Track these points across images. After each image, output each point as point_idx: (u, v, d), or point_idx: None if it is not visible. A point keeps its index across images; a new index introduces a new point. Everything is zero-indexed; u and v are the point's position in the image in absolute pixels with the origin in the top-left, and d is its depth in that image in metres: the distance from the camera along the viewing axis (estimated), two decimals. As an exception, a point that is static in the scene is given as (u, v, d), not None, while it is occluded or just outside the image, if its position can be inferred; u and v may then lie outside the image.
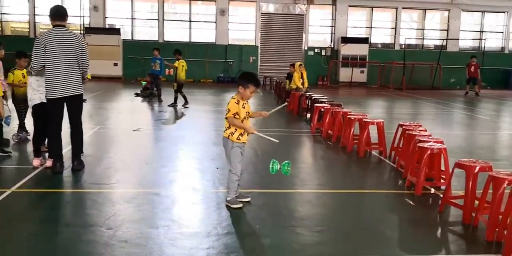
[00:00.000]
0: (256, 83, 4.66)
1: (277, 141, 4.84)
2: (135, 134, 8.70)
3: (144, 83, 15.74)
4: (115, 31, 22.01)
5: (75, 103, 5.81)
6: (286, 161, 4.55)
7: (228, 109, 4.59)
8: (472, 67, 19.67)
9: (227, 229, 4.15)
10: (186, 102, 12.80)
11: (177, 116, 11.48)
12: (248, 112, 4.70)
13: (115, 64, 21.90)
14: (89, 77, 6.64)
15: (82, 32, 22.02)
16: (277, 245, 3.85)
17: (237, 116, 4.59)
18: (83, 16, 22.65)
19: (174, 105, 12.74)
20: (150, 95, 14.08)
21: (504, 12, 24.45)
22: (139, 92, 15.22)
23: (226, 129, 4.68)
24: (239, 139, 4.63)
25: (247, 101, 4.72)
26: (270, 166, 4.56)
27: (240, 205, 4.63)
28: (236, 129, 4.62)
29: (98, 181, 5.51)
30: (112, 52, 21.64)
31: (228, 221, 4.32)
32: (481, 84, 20.26)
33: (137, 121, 10.73)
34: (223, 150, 4.84)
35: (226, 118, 4.65)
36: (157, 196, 5.01)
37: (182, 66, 12.93)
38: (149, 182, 5.55)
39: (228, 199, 4.68)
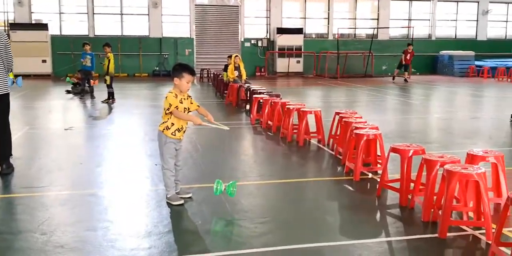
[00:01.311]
0: (191, 71, 4.48)
1: (228, 128, 4.79)
2: (67, 133, 8.38)
3: (68, 79, 15.10)
4: (42, 27, 21.10)
5: (1, 103, 5.51)
6: (231, 182, 4.49)
7: (169, 104, 4.40)
8: (409, 55, 20.27)
9: (169, 227, 4.06)
10: (112, 98, 12.48)
11: (111, 113, 11.16)
12: (187, 108, 4.53)
13: (44, 61, 21.03)
14: (12, 76, 6.30)
15: (6, 28, 20.96)
16: (221, 239, 3.80)
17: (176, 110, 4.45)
18: (7, 12, 21.57)
19: (108, 101, 12.39)
20: (81, 91, 13.61)
21: (429, 0, 25.35)
22: (70, 89, 14.69)
23: (162, 123, 4.52)
24: (174, 135, 4.49)
25: (187, 97, 4.55)
26: (215, 186, 4.45)
27: (182, 202, 4.54)
28: (172, 124, 4.46)
29: (29, 184, 5.25)
30: (40, 49, 20.76)
31: (169, 219, 4.23)
32: (407, 71, 20.93)
33: (69, 119, 10.36)
34: (163, 142, 4.67)
35: (166, 113, 4.47)
36: (93, 197, 4.84)
37: (113, 59, 12.63)
38: (84, 183, 5.34)
39: (168, 196, 4.58)
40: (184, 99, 4.51)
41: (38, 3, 22.07)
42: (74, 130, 8.72)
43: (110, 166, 6.16)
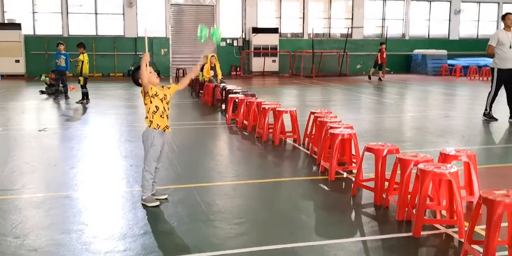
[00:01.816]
0: (140, 67, 4.42)
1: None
2: (41, 135, 8.25)
3: (42, 78, 14.88)
4: (15, 26, 20.73)
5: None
6: (213, 29, 4.47)
7: (142, 90, 4.47)
8: (384, 54, 20.50)
9: (144, 229, 4.03)
10: (87, 98, 12.38)
11: (86, 113, 11.03)
12: (166, 95, 4.53)
13: (17, 61, 20.67)
14: None
15: (-23, 27, 20.55)
16: (197, 241, 3.80)
17: (151, 94, 4.44)
18: (-22, 11, 21.18)
19: (82, 101, 12.26)
20: (55, 92, 13.41)
21: (403, 0, 25.67)
22: (44, 89, 14.47)
23: (146, 117, 4.54)
24: (159, 124, 4.48)
25: (161, 86, 4.57)
26: (198, 34, 4.43)
27: (157, 203, 4.52)
28: (157, 107, 4.45)
29: (2, 187, 5.16)
30: (13, 49, 20.41)
31: (145, 221, 4.20)
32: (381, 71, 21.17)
33: (43, 120, 10.21)
34: (136, 147, 4.69)
35: (144, 98, 4.50)
36: (68, 199, 4.78)
37: (87, 59, 12.51)
38: (58, 185, 5.27)
39: (143, 197, 4.55)
40: (160, 89, 4.53)
41: (10, 3, 21.66)
42: (48, 131, 8.60)
43: (84, 167, 6.10)
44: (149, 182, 4.53)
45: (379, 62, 20.44)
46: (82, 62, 12.36)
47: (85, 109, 11.51)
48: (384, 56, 20.42)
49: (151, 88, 4.44)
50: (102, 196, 4.92)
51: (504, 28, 9.43)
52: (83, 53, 12.41)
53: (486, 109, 9.79)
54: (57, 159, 6.59)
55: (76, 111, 11.30)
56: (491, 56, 9.52)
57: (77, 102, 12.22)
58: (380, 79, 20.51)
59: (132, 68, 22.08)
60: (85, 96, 12.34)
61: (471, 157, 4.54)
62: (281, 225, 4.14)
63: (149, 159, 4.52)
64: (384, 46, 20.41)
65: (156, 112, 4.48)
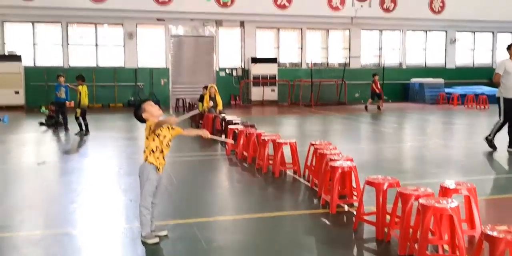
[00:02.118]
0: (146, 100, 4.59)
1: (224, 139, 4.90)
2: (40, 168, 8.24)
3: (42, 110, 14.94)
4: (16, 58, 20.91)
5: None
6: None
7: (149, 126, 4.44)
8: (378, 84, 20.60)
9: (144, 266, 4.00)
10: (87, 130, 12.44)
11: (85, 146, 11.04)
12: (165, 136, 4.49)
13: (17, 92, 20.78)
14: None
15: (-22, 60, 20.75)
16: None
17: (157, 133, 4.44)
18: (-21, 43, 21.43)
19: (81, 132, 12.28)
20: (55, 124, 13.45)
21: (399, 30, 26.03)
22: (43, 121, 14.50)
23: (145, 151, 4.51)
24: (158, 158, 4.46)
25: (169, 128, 4.55)
26: None
27: (157, 240, 4.47)
28: (157, 147, 4.44)
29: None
30: (13, 80, 20.52)
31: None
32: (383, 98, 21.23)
33: (42, 153, 10.19)
34: (135, 180, 4.65)
35: (149, 134, 4.48)
36: (67, 236, 4.74)
37: (85, 91, 12.62)
38: (57, 221, 5.23)
39: (143, 234, 4.50)
40: (166, 130, 4.52)
41: (11, 34, 21.94)
42: (47, 164, 8.59)
43: (83, 202, 6.06)
44: (146, 218, 4.48)
45: (377, 92, 20.52)
46: (80, 93, 12.46)
47: (84, 141, 11.52)
48: (379, 86, 20.54)
49: (161, 129, 4.49)
50: (101, 233, 4.88)
51: (510, 58, 9.35)
52: (81, 85, 12.54)
53: (489, 135, 9.64)
54: (56, 193, 6.56)
55: (75, 143, 11.31)
56: (497, 84, 9.47)
57: (76, 134, 12.23)
58: (379, 108, 20.58)
59: (132, 99, 22.23)
60: (86, 127, 12.39)
61: (472, 190, 4.53)
62: (282, 262, 4.10)
63: (145, 194, 4.48)
64: (376, 77, 20.57)
65: (154, 152, 4.47)
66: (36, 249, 4.40)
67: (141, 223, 4.50)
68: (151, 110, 4.49)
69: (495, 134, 9.60)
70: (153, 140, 4.46)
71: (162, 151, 4.50)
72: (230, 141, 4.82)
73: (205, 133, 4.78)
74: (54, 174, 8.09)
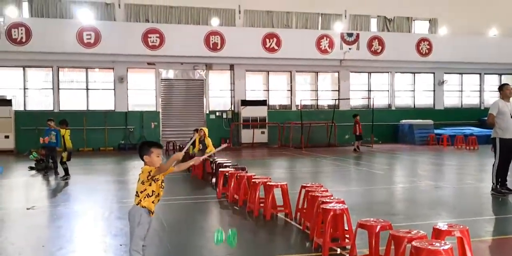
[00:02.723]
0: (158, 145, 4.52)
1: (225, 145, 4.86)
2: (29, 213, 8.13)
3: (32, 156, 14.83)
4: (6, 102, 20.99)
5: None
6: (231, 231, 4.46)
7: (148, 171, 4.37)
8: (360, 125, 20.92)
9: None
10: (67, 174, 12.33)
11: (75, 190, 10.93)
12: (155, 191, 4.46)
13: (7, 137, 20.73)
14: None
15: (-32, 104, 20.80)
16: None
17: (156, 178, 4.42)
18: (-30, 87, 21.54)
19: (67, 177, 12.16)
20: (45, 168, 13.37)
21: (388, 72, 26.55)
22: (33, 165, 14.41)
23: (139, 195, 4.43)
24: (154, 202, 4.44)
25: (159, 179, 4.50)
26: (215, 235, 4.40)
27: None
28: (153, 191, 4.42)
29: (-13, 271, 5.02)
30: (3, 124, 20.54)
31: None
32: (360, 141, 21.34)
33: (32, 198, 10.08)
34: (126, 225, 4.56)
35: (147, 180, 4.42)
36: (56, 283, 4.65)
37: (68, 135, 12.61)
38: (46, 267, 5.14)
39: None
40: (157, 179, 4.46)
41: (2, 79, 22.08)
42: (36, 209, 8.47)
43: (73, 248, 5.96)
44: None
45: (358, 133, 20.78)
46: (63, 137, 12.44)
47: (74, 185, 11.41)
48: (359, 127, 20.85)
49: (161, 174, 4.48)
50: (91, 279, 4.79)
51: (502, 98, 9.36)
52: (64, 129, 12.53)
53: (493, 183, 9.39)
54: (45, 239, 6.46)
55: (65, 187, 11.20)
56: (492, 125, 9.38)
57: (62, 179, 12.08)
58: (355, 149, 20.60)
59: (123, 142, 22.19)
60: (67, 171, 12.26)
61: (464, 232, 4.54)
62: None
63: (136, 238, 4.39)
64: (358, 117, 20.96)
65: (149, 196, 4.43)
66: (23, 298, 4.30)
67: None
68: (155, 160, 4.43)
69: (497, 180, 9.33)
70: (150, 184, 4.43)
71: (158, 195, 4.50)
72: (225, 145, 4.80)
73: (196, 160, 4.73)
74: (43, 219, 7.97)
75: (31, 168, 14.32)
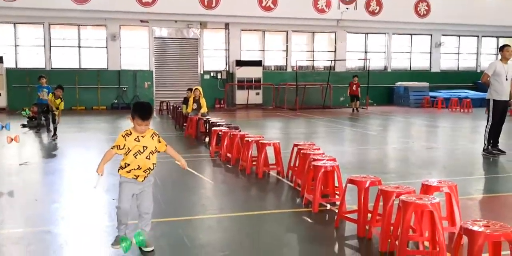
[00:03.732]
0: (142, 115, 4.12)
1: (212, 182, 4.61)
2: (21, 169, 8.15)
3: (24, 112, 14.78)
4: (-3, 60, 20.74)
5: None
6: (136, 233, 4.20)
7: (120, 135, 4.19)
8: (354, 86, 21.20)
9: (125, 263, 3.98)
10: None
11: (68, 147, 10.94)
12: (146, 147, 4.16)
13: (-2, 94, 20.57)
14: None
15: (-41, 61, 20.53)
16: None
17: (120, 150, 4.15)
18: (-40, 45, 21.20)
19: (55, 136, 12.05)
20: (37, 125, 13.32)
21: (385, 34, 26.24)
22: (25, 123, 14.36)
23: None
24: (129, 172, 4.18)
25: (151, 135, 4.22)
26: (122, 245, 4.11)
27: (117, 247, 4.17)
28: (127, 164, 4.16)
29: (-20, 222, 5.07)
30: (-6, 81, 20.34)
31: (127, 255, 4.13)
32: (359, 101, 21.66)
33: (24, 154, 10.08)
34: (118, 180, 4.51)
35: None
36: (49, 235, 4.70)
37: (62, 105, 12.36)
38: (39, 220, 5.19)
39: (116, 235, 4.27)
40: (142, 136, 4.18)
41: (-8, 36, 21.74)
42: (29, 165, 8.50)
43: (66, 202, 6.02)
44: (119, 222, 4.26)
45: (348, 94, 21.36)
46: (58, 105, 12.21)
47: (67, 143, 11.41)
48: (354, 88, 21.20)
49: (120, 148, 4.18)
50: (83, 231, 4.85)
51: (501, 60, 9.30)
52: (60, 99, 12.21)
53: (485, 144, 9.45)
54: (37, 193, 6.50)
55: (57, 145, 11.20)
56: (485, 84, 9.40)
57: (52, 138, 11.97)
58: (357, 110, 21.17)
59: (116, 101, 22.07)
60: (54, 130, 12.15)
61: (453, 188, 4.59)
62: (265, 259, 4.10)
63: (120, 196, 4.23)
64: (355, 78, 21.27)
65: (122, 168, 4.21)
66: (16, 247, 4.35)
67: (117, 224, 4.33)
68: (137, 127, 4.17)
69: (489, 141, 9.40)
70: (126, 154, 4.20)
71: (138, 168, 4.22)
72: (206, 179, 4.58)
73: (184, 164, 4.49)
74: (36, 174, 8.01)
75: (24, 126, 14.28)
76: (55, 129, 12.07)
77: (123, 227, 4.27)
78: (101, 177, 4.28)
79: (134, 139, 4.16)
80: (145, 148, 4.18)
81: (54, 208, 5.68)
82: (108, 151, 4.25)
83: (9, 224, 5.04)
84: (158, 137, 4.30)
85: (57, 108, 12.18)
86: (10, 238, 4.58)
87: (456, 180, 5.62)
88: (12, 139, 8.79)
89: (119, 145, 4.17)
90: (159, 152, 4.33)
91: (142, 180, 4.22)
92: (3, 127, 7.46)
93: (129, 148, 4.15)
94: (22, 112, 14.94)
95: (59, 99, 12.16)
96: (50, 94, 12.37)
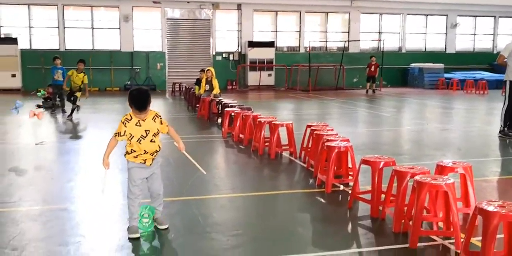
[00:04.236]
0: (137, 107, 3.97)
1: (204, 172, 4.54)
2: (38, 148, 8.25)
3: (40, 94, 14.89)
4: (12, 41, 20.81)
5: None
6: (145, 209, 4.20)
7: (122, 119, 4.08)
8: (373, 67, 21.03)
9: (141, 241, 4.03)
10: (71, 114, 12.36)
11: (82, 128, 11.04)
12: (148, 131, 4.05)
13: (13, 75, 20.70)
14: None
15: (-26, 42, 20.68)
16: (193, 252, 3.79)
17: (121, 137, 4.09)
18: (-25, 26, 21.33)
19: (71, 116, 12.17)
20: (52, 106, 13.43)
21: (399, 14, 25.89)
22: (41, 103, 14.48)
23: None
24: (136, 157, 4.10)
25: (153, 117, 4.09)
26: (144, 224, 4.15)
27: (137, 236, 4.06)
28: (133, 150, 4.09)
29: (-1, 200, 5.16)
30: (9, 63, 20.45)
31: (141, 232, 4.19)
32: (375, 83, 21.56)
33: (40, 134, 10.20)
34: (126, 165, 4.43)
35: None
36: (65, 212, 4.78)
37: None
38: (56, 198, 5.28)
39: (128, 226, 4.16)
40: (143, 120, 4.06)
41: (7, 17, 21.79)
42: (45, 145, 8.60)
43: (81, 181, 6.09)
44: (130, 210, 4.15)
45: (366, 75, 21.23)
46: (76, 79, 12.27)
47: (82, 123, 11.51)
48: (373, 69, 20.95)
49: (121, 135, 4.11)
50: (99, 209, 4.92)
51: None
52: (83, 73, 12.30)
53: (501, 125, 9.33)
54: (54, 172, 6.59)
55: (72, 125, 11.31)
56: (501, 65, 9.30)
57: (68, 119, 12.07)
58: (373, 91, 21.09)
59: (129, 83, 22.11)
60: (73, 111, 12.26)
61: (467, 169, 4.56)
62: (277, 237, 4.14)
63: (129, 184, 4.18)
64: (373, 59, 21.11)
65: (128, 154, 4.13)
66: (35, 224, 4.44)
67: (129, 214, 4.23)
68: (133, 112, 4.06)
69: (505, 123, 9.27)
70: (129, 142, 4.13)
71: (145, 153, 4.16)
72: (200, 167, 4.49)
73: (182, 147, 4.39)
74: (52, 154, 8.11)
75: (39, 106, 14.39)
76: (72, 110, 12.16)
77: (136, 218, 4.17)
78: (108, 172, 4.24)
79: (135, 124, 4.06)
80: (147, 132, 4.07)
81: (70, 186, 5.76)
82: (110, 140, 4.18)
83: (27, 201, 5.13)
84: (160, 118, 4.18)
85: (80, 88, 12.17)
86: (29, 215, 4.66)
87: (471, 161, 5.59)
88: (35, 114, 8.98)
89: (119, 133, 4.08)
90: (162, 133, 4.24)
91: (151, 164, 4.17)
92: (16, 108, 7.55)
93: (131, 134, 4.05)
94: (38, 92, 15.05)
95: (82, 73, 12.22)
96: (72, 70, 12.38)
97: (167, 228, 4.25)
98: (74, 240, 4.01)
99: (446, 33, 26.78)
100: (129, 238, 4.05)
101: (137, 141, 4.06)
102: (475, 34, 27.46)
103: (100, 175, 4.40)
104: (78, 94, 12.25)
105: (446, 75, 24.18)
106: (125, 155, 4.17)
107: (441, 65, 24.56)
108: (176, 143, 4.35)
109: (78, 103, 12.29)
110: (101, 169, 4.25)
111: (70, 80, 12.34)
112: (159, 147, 4.19)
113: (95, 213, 4.79)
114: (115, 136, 4.12)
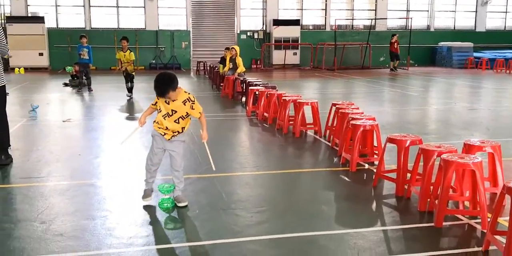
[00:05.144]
0: (157, 93, 4.15)
1: (214, 169, 4.51)
2: (65, 125, 8.38)
3: (68, 69, 15.10)
4: (39, 19, 21.01)
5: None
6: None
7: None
8: (395, 44, 20.80)
9: (166, 216, 4.09)
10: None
11: (109, 106, 11.15)
12: (175, 111, 4.16)
13: (41, 54, 20.96)
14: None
15: (2, 21, 20.91)
16: (218, 228, 3.83)
17: (154, 106, 4.33)
18: (3, 5, 21.51)
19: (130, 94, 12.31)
20: (79, 84, 13.60)
21: (428, -8, 25.31)
22: (67, 82, 14.67)
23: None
24: (159, 128, 4.27)
25: (184, 101, 4.17)
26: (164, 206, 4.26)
27: (148, 202, 4.35)
28: (156, 122, 4.28)
29: (28, 175, 5.28)
30: (36, 42, 20.69)
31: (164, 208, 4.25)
32: (398, 61, 21.37)
33: (67, 111, 10.35)
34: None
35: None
36: (92, 187, 4.87)
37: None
38: (83, 174, 5.37)
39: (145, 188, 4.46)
40: (172, 101, 4.16)
41: (34, -4, 21.98)
42: (72, 122, 8.72)
43: (108, 157, 6.18)
44: (147, 171, 4.42)
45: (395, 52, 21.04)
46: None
47: (108, 101, 11.63)
48: (396, 46, 20.76)
49: (153, 104, 4.35)
50: (125, 185, 4.99)
51: None
52: (129, 50, 12.31)
53: None
54: (81, 148, 6.69)
55: (99, 103, 11.44)
56: None
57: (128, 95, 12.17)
58: (391, 69, 20.87)
59: (154, 61, 22.18)
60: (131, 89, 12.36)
61: (496, 148, 4.47)
62: (302, 214, 4.15)
63: (150, 149, 4.42)
64: (395, 37, 20.80)
65: (155, 122, 4.30)
66: (62, 198, 4.53)
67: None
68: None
69: None
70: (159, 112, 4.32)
71: (166, 128, 4.28)
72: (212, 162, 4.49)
73: (205, 136, 4.41)
74: (79, 131, 8.23)
75: (66, 85, 14.60)
76: (131, 88, 12.24)
77: (151, 181, 4.44)
78: (138, 129, 4.45)
79: (165, 101, 4.21)
80: (174, 112, 4.19)
81: (96, 162, 5.85)
82: (149, 107, 4.42)
83: (55, 177, 5.23)
84: (192, 103, 4.21)
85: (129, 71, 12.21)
86: (57, 190, 4.76)
87: (499, 141, 5.48)
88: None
89: (155, 103, 4.34)
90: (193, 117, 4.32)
91: (169, 139, 4.27)
92: (34, 110, 7.80)
93: (160, 108, 4.25)
94: (66, 68, 15.27)
95: (128, 50, 12.24)
96: (119, 52, 12.34)
97: (186, 205, 4.29)
98: (100, 215, 4.09)
99: (476, 11, 26.08)
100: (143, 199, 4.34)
101: (163, 116, 4.23)
102: (506, 12, 26.66)
103: (129, 135, 4.61)
104: (132, 71, 12.24)
105: (475, 54, 23.63)
106: (153, 122, 4.34)
107: (470, 44, 23.99)
108: (201, 131, 4.40)
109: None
110: (135, 127, 4.46)
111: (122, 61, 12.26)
112: (182, 129, 4.28)
113: (121, 189, 4.87)
114: (152, 104, 4.37)
